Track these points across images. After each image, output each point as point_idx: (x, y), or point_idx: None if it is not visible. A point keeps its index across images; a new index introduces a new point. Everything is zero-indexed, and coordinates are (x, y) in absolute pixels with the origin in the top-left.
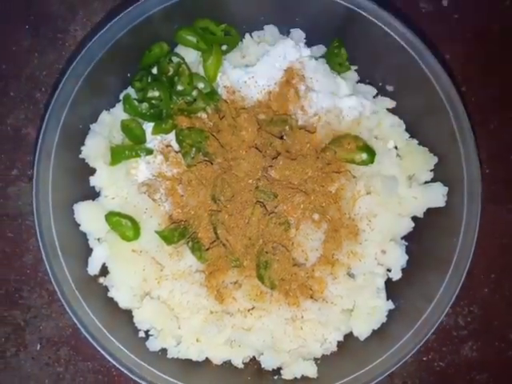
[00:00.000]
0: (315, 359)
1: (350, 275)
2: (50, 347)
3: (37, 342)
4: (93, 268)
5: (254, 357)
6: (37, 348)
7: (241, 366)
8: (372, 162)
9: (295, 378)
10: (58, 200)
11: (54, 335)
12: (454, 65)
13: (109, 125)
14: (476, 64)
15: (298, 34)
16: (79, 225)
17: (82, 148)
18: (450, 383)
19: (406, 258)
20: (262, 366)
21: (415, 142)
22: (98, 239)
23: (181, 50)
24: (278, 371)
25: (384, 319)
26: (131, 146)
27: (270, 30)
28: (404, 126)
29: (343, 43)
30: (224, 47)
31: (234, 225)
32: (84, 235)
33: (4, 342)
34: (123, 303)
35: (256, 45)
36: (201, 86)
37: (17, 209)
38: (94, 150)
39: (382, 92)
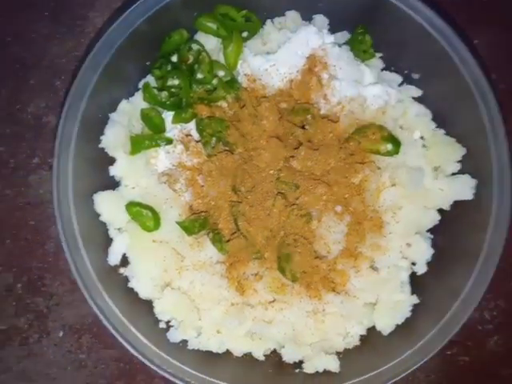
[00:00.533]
0: (337, 353)
1: (374, 268)
2: (72, 334)
3: (59, 329)
4: (113, 258)
5: (274, 349)
6: (59, 335)
7: (261, 358)
8: (397, 152)
9: (317, 372)
10: (78, 190)
11: (76, 323)
12: (483, 51)
13: (128, 114)
14: (505, 49)
15: (321, 19)
16: (99, 215)
17: (102, 137)
18: (475, 378)
19: (432, 251)
20: (283, 359)
21: (442, 132)
22: (119, 229)
23: (200, 36)
24: (299, 364)
25: (408, 314)
26: (151, 136)
27: (292, 16)
28: (430, 116)
29: (367, 29)
30: (245, 34)
31: (254, 216)
32: (104, 225)
33: (27, 329)
34: (144, 294)
35: (277, 31)
36: (221, 74)
37: (38, 197)
38: (114, 139)
39: (407, 80)
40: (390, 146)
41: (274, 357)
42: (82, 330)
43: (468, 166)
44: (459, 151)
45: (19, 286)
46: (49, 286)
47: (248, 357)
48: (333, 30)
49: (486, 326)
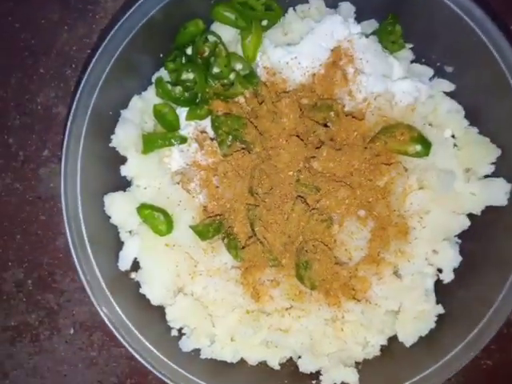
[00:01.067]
0: (356, 364)
1: (397, 275)
2: (83, 332)
3: (70, 326)
4: (124, 263)
5: (291, 357)
6: (70, 332)
7: (277, 367)
8: (427, 154)
9: None
10: (88, 191)
11: (87, 320)
12: None
13: (140, 110)
14: None
15: (347, 7)
16: (110, 217)
17: (113, 137)
18: (497, 382)
19: (460, 258)
20: (300, 370)
21: (475, 130)
22: (130, 232)
23: (217, 27)
24: (316, 375)
25: (433, 325)
26: (164, 135)
27: (316, 4)
28: (463, 112)
29: (397, 19)
30: (264, 22)
31: (272, 221)
32: (115, 228)
33: (38, 326)
34: (155, 300)
35: (300, 21)
36: (239, 67)
37: (48, 191)
38: (125, 138)
39: (439, 73)
40: (419, 148)
41: (290, 365)
42: (93, 328)
43: (503, 168)
44: (493, 152)
45: (30, 282)
46: (60, 282)
47: (263, 365)
48: (359, 18)
49: (511, 328)
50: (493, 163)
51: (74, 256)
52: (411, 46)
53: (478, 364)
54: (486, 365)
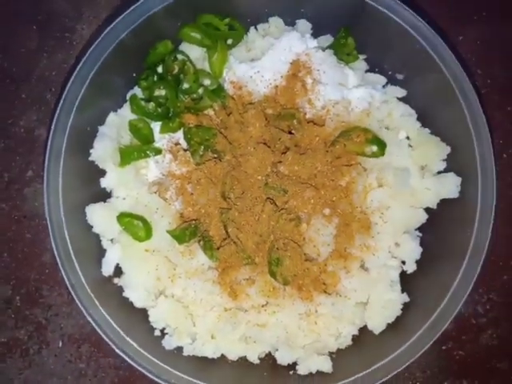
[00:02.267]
0: (330, 353)
1: (364, 268)
2: (71, 344)
3: (58, 339)
4: (107, 269)
5: (269, 352)
6: (59, 345)
7: (256, 361)
8: (382, 154)
9: (310, 373)
10: (70, 203)
11: (74, 332)
12: (468, 47)
13: (117, 126)
14: (491, 44)
15: (304, 24)
16: (92, 227)
17: (91, 151)
18: (470, 372)
19: (420, 250)
20: (278, 362)
21: (427, 131)
22: (111, 240)
23: (185, 46)
24: (293, 366)
25: (399, 312)
26: (140, 147)
27: (275, 22)
28: (415, 115)
29: (350, 32)
30: (229, 41)
31: (244, 222)
32: (97, 236)
33: (27, 341)
34: (138, 303)
35: (261, 38)
36: (207, 82)
37: (33, 210)
38: (103, 152)
39: (392, 81)
40: (374, 148)
41: (269, 359)
42: (80, 340)
43: (453, 163)
44: (444, 150)
45: (18, 298)
46: (47, 297)
47: (243, 361)
48: (316, 34)
49: (479, 319)
50: (444, 160)
51: (60, 265)
52: (365, 57)
53: (451, 355)
54: (458, 355)
